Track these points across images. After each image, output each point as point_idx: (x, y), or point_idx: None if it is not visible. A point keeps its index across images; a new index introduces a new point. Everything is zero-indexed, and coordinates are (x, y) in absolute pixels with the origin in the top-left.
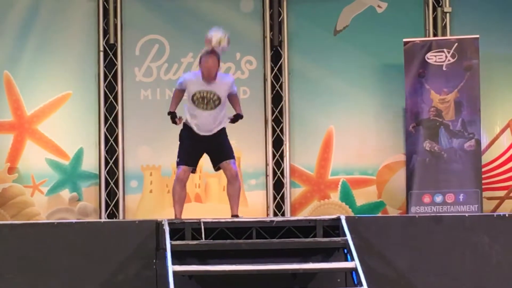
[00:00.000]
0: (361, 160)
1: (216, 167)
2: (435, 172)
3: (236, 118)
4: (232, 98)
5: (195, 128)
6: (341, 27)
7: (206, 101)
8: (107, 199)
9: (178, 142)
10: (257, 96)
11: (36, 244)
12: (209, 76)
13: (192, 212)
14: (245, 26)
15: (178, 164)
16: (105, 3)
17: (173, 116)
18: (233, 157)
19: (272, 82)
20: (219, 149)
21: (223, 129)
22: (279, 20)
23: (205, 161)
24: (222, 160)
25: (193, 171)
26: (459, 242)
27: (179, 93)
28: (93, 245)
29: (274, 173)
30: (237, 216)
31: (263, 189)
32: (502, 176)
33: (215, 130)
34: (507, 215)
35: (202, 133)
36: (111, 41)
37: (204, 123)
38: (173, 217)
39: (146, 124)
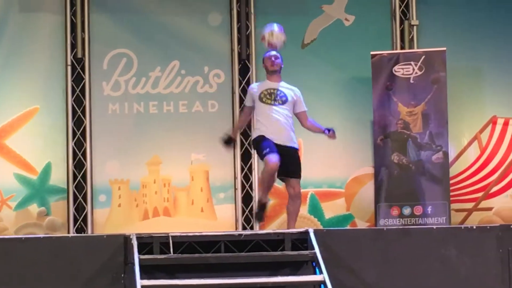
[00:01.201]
0: (330, 173)
1: (281, 178)
2: (403, 185)
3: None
4: (304, 116)
5: (271, 137)
6: (309, 40)
7: (273, 97)
8: (76, 214)
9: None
10: (225, 109)
11: (3, 260)
12: (272, 67)
13: (160, 226)
14: (213, 40)
15: (269, 153)
16: (72, 17)
17: (229, 141)
18: (299, 177)
19: (240, 96)
20: (291, 162)
21: (296, 150)
22: (247, 33)
23: (174, 174)
24: (291, 175)
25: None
26: (427, 254)
27: (247, 110)
28: (61, 260)
29: (243, 187)
30: None
31: (231, 202)
32: (469, 188)
33: (288, 143)
34: (474, 227)
35: (277, 142)
36: (79, 55)
37: (277, 127)
38: (141, 231)
39: (114, 138)
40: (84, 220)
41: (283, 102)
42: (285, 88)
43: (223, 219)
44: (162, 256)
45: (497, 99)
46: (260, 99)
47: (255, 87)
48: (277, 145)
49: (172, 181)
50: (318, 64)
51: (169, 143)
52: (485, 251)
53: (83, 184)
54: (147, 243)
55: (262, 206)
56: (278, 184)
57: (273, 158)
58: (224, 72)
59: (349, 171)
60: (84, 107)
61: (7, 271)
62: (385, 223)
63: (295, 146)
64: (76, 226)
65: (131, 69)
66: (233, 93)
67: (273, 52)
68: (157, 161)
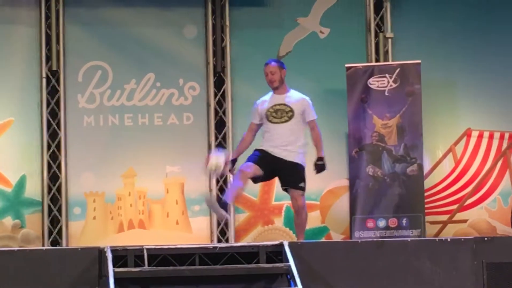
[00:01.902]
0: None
1: (284, 189)
2: (378, 197)
3: (319, 167)
4: (311, 126)
5: (270, 150)
6: (284, 53)
7: (280, 114)
8: (50, 226)
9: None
10: (200, 122)
11: None
12: (271, 84)
13: (135, 238)
14: (188, 52)
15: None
16: (47, 29)
17: (232, 162)
18: (301, 189)
19: (215, 108)
20: (290, 174)
21: (300, 165)
22: (222, 46)
23: (149, 186)
24: (291, 185)
25: (258, 179)
26: (401, 266)
27: (254, 126)
28: (36, 273)
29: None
30: None
31: (207, 215)
32: (444, 200)
33: (288, 158)
34: (449, 240)
35: (276, 154)
36: (54, 68)
37: (279, 136)
38: (116, 244)
39: (89, 150)
40: (59, 232)
41: (290, 118)
42: (293, 100)
43: (198, 232)
44: (137, 269)
45: (472, 111)
46: (267, 118)
47: (262, 104)
48: (275, 158)
49: (147, 194)
50: (293, 76)
51: (144, 155)
52: (459, 263)
53: (58, 196)
54: (121, 256)
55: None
56: (253, 197)
57: (244, 163)
58: (199, 85)
59: (324, 184)
60: (59, 119)
61: None
62: (360, 235)
63: (299, 162)
64: (51, 239)
65: (106, 81)
66: (208, 105)
67: (272, 65)
68: (132, 173)
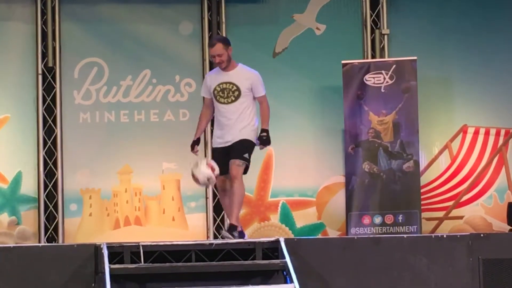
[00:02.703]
0: (301, 182)
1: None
2: (375, 193)
3: (262, 140)
4: (260, 101)
5: (219, 144)
6: (280, 49)
7: (226, 93)
8: (46, 223)
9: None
10: (196, 118)
11: None
12: (221, 64)
13: (131, 235)
14: (184, 49)
15: None
16: (43, 26)
17: (193, 144)
18: (246, 160)
19: None
20: (237, 147)
21: (246, 140)
22: None
23: (146, 183)
24: (234, 156)
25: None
26: (397, 263)
27: (208, 101)
28: (32, 269)
29: (214, 195)
30: (232, 226)
31: (203, 211)
32: (440, 197)
33: (237, 137)
34: (445, 236)
35: (224, 145)
36: (50, 64)
37: (226, 120)
38: (112, 240)
39: (85, 147)
40: (55, 229)
41: (236, 98)
42: (240, 77)
43: (194, 228)
44: (133, 266)
45: (468, 108)
46: (215, 97)
47: (209, 78)
48: (225, 148)
49: (143, 190)
50: (289, 73)
51: (140, 152)
52: (455, 260)
53: (54, 193)
54: (117, 253)
55: (232, 227)
56: (249, 193)
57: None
58: (195, 81)
59: (320, 180)
60: (55, 116)
61: None
62: (356, 232)
63: (246, 138)
64: (47, 236)
65: (102, 78)
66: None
67: (218, 47)
68: (128, 170)
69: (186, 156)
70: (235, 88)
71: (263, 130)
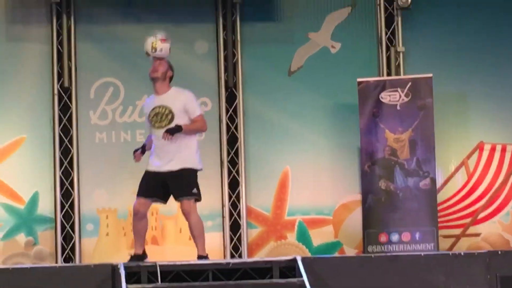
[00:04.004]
0: (317, 200)
1: (179, 201)
2: (391, 211)
3: (170, 129)
4: (195, 121)
5: (154, 168)
6: (295, 68)
7: (160, 118)
8: (63, 243)
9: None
10: (212, 137)
11: None
12: (153, 74)
13: (149, 254)
14: (199, 68)
15: (137, 196)
16: (59, 46)
17: (140, 150)
18: (191, 195)
19: (227, 123)
20: (180, 181)
21: (187, 170)
22: (234, 61)
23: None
24: (184, 194)
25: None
26: (415, 281)
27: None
28: None
29: (231, 214)
30: (203, 256)
31: (219, 230)
32: (457, 214)
33: (175, 166)
34: (462, 254)
35: (162, 169)
36: (66, 84)
37: (162, 145)
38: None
39: (102, 167)
40: (72, 249)
41: (170, 121)
42: (172, 99)
43: (211, 247)
44: (150, 285)
45: (484, 124)
46: (150, 123)
47: (145, 107)
48: (160, 173)
49: (160, 210)
50: (305, 92)
51: None
52: (473, 277)
53: (71, 213)
54: (135, 272)
55: (137, 257)
56: (266, 212)
57: (135, 201)
58: (211, 100)
59: (337, 198)
60: (71, 136)
61: None
62: (373, 250)
63: (187, 166)
64: (64, 256)
65: (118, 97)
66: (220, 121)
67: (160, 59)
68: None
69: (203, 174)
70: (168, 111)
71: (176, 125)
